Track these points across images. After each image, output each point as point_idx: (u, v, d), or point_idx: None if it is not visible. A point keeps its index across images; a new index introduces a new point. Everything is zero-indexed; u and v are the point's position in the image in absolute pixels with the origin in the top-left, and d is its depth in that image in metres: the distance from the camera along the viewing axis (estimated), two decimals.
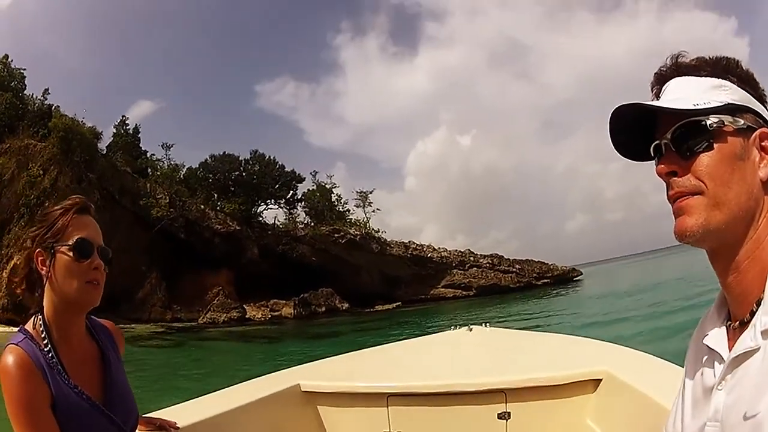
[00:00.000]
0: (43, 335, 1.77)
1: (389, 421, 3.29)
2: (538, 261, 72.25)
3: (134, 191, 50.60)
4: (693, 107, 1.11)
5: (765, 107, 1.17)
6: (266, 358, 24.14)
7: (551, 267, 71.87)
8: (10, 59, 50.97)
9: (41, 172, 44.23)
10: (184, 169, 63.65)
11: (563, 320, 28.30)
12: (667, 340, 14.26)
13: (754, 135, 1.11)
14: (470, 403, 3.18)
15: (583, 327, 21.76)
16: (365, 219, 70.95)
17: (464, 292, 65.26)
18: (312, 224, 64.80)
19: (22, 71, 51.50)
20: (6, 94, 47.96)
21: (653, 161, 1.21)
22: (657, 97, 1.24)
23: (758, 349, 1.04)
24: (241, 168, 65.51)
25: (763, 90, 1.19)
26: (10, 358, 1.69)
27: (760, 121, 1.14)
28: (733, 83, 1.16)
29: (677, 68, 1.22)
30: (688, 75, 1.20)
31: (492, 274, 67.22)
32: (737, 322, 1.14)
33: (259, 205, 65.15)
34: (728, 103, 1.12)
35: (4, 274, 34.33)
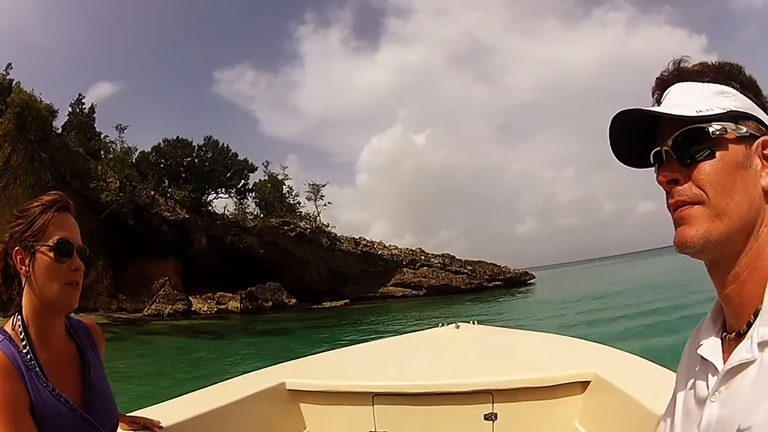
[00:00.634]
0: (21, 336, 1.77)
1: (374, 421, 3.38)
2: (491, 263, 73.53)
3: (85, 173, 50.63)
4: (696, 114, 1.12)
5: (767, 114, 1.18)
6: (214, 356, 24.20)
7: (504, 269, 73.33)
8: None
9: None
10: (137, 153, 63.87)
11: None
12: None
13: (756, 143, 1.13)
14: (457, 403, 3.26)
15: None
16: (316, 213, 72.17)
17: (414, 292, 66.75)
18: (262, 216, 65.74)
19: None
20: None
21: (652, 168, 1.24)
22: (658, 102, 1.26)
23: (754, 361, 1.05)
24: (194, 154, 65.75)
25: (765, 97, 1.20)
26: None
27: (763, 128, 1.15)
28: (736, 90, 1.17)
29: (679, 73, 1.24)
30: (691, 80, 1.21)
31: (443, 275, 68.37)
32: (733, 334, 1.17)
33: (210, 194, 65.11)
34: (731, 110, 1.13)
35: None
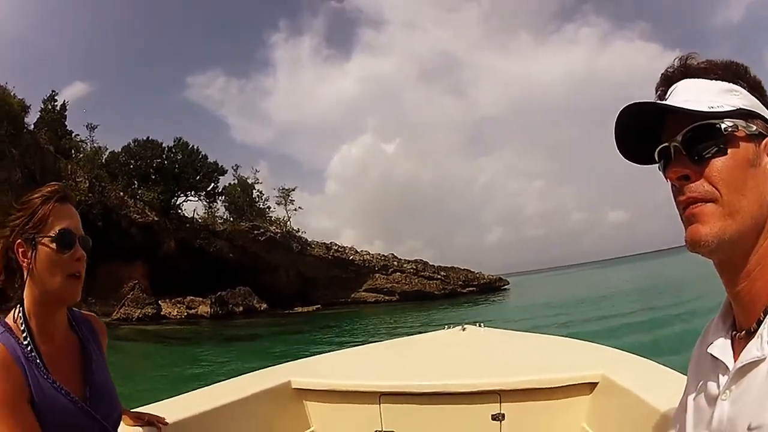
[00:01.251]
0: (22, 328, 1.81)
1: (381, 420, 3.45)
2: (464, 268, 75.25)
3: (55, 172, 50.01)
4: (708, 110, 1.12)
5: None
6: (184, 364, 23.50)
7: (477, 275, 75.04)
8: None
9: None
10: (107, 153, 65.00)
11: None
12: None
13: (765, 141, 1.14)
14: (464, 403, 3.32)
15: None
16: (286, 217, 74.04)
17: (387, 297, 67.98)
18: (231, 219, 66.83)
19: None
20: None
21: (657, 165, 1.26)
22: (662, 98, 1.26)
23: (765, 359, 1.07)
24: (164, 155, 66.74)
25: None
26: None
27: None
28: (744, 88, 1.19)
29: (686, 70, 1.24)
30: (698, 77, 1.22)
31: (416, 280, 69.63)
32: (743, 332, 1.18)
33: (179, 196, 66.83)
34: (740, 108, 1.14)
35: None
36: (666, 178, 1.21)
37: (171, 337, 36.91)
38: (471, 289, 71.85)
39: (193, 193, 68.45)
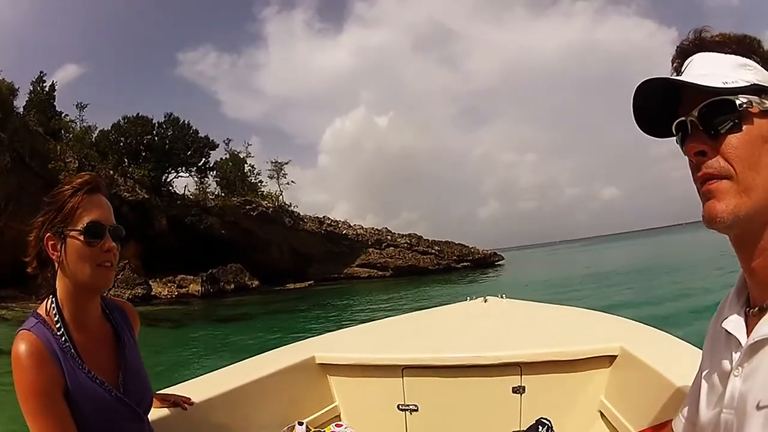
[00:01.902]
0: (56, 319, 1.87)
1: (404, 393, 3.54)
2: (458, 243, 75.38)
3: (44, 153, 50.96)
4: (723, 85, 1.14)
5: None
6: (176, 348, 22.33)
7: (472, 250, 75.36)
8: None
9: None
10: (96, 132, 65.31)
11: None
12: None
13: None
14: (485, 376, 3.39)
15: None
16: (278, 192, 74.51)
17: (380, 273, 68.86)
18: (223, 195, 67.06)
19: None
20: None
21: (674, 138, 1.27)
22: (678, 71, 1.29)
23: None
24: (154, 132, 67.14)
25: None
26: (22, 345, 1.77)
27: None
28: (758, 63, 1.20)
29: (700, 43, 1.26)
30: (712, 51, 1.23)
31: (410, 255, 70.08)
32: (757, 308, 1.21)
33: (170, 173, 67.36)
34: (754, 84, 1.15)
35: None
36: (684, 153, 1.24)
37: (160, 318, 35.85)
38: (465, 264, 72.06)
39: (184, 169, 69.30)
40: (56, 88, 64.00)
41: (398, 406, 3.58)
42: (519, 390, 3.35)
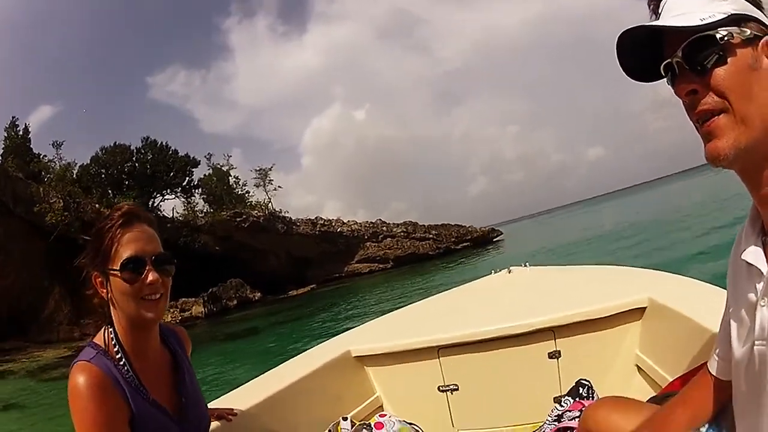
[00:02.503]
0: (116, 349, 1.90)
1: (442, 374, 3.62)
2: (455, 224, 75.76)
3: (27, 198, 50.71)
4: (700, 22, 1.16)
5: (764, 13, 1.22)
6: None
7: (470, 229, 75.61)
8: None
9: None
10: (77, 167, 65.20)
11: None
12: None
13: (761, 43, 1.17)
14: (520, 345, 3.44)
15: None
16: (266, 199, 74.56)
17: (381, 265, 68.99)
18: (212, 211, 67.22)
19: None
20: None
21: (664, 80, 1.28)
22: (655, 12, 1.30)
23: None
24: (134, 158, 67.34)
25: None
26: (82, 377, 1.78)
27: (764, 28, 1.19)
28: None
29: None
30: None
31: (408, 243, 70.22)
32: None
33: (155, 197, 68.07)
34: (732, 14, 1.17)
35: None
36: (675, 94, 1.26)
37: None
38: (465, 244, 72.14)
39: (169, 191, 70.06)
40: (30, 130, 64.03)
41: (438, 388, 3.65)
42: (555, 354, 3.40)
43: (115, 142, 68.53)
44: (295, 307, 46.09)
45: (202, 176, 73.04)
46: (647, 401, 2.06)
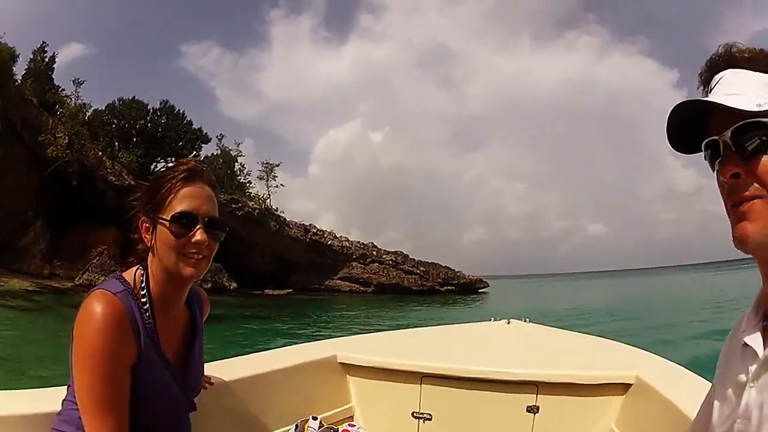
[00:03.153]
0: (143, 293, 1.92)
1: (420, 401, 3.64)
2: (445, 266, 76.30)
3: (36, 125, 51.30)
4: (757, 108, 1.13)
5: None
6: None
7: (458, 274, 76.37)
8: None
9: None
10: (90, 110, 64.70)
11: None
12: None
13: None
14: (501, 392, 3.46)
15: None
16: (266, 194, 74.49)
17: (362, 288, 69.35)
18: None
19: None
20: None
21: (702, 153, 1.27)
22: (705, 85, 1.29)
23: None
24: (148, 117, 67.08)
25: None
26: (103, 306, 1.77)
27: None
28: None
29: (730, 59, 1.25)
30: (741, 67, 1.22)
31: (394, 273, 70.73)
32: None
33: (159, 161, 66.71)
34: None
35: None
36: (714, 172, 1.25)
37: None
38: (449, 288, 72.76)
39: (173, 159, 64.77)
40: (56, 60, 64.13)
41: (413, 413, 3.68)
42: (533, 409, 3.43)
43: (134, 97, 68.41)
44: (271, 306, 46.82)
45: (209, 155, 72.67)
46: None
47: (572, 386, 3.36)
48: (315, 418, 3.28)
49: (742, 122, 1.14)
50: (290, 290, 64.80)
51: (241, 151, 77.09)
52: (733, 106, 1.14)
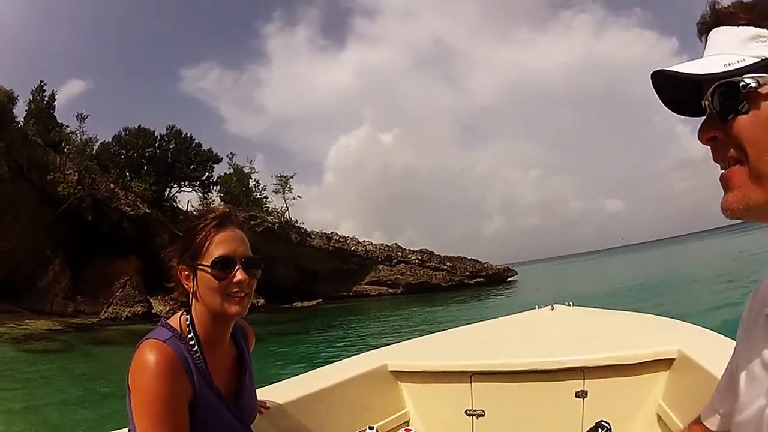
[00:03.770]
0: (190, 336, 2.02)
1: (472, 399, 3.70)
2: (471, 258, 75.96)
3: (43, 165, 51.32)
4: (723, 69, 1.08)
5: None
6: None
7: (485, 265, 75.80)
8: None
9: None
10: (98, 144, 65.35)
11: None
12: None
13: None
14: (550, 381, 3.53)
15: None
16: (284, 207, 74.00)
17: (391, 290, 69.53)
18: None
19: None
20: None
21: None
22: (705, 40, 1.21)
23: None
24: (156, 144, 67.30)
25: None
26: (155, 354, 1.86)
27: None
28: None
29: (716, 16, 1.17)
30: (724, 24, 1.15)
31: (422, 271, 70.66)
32: None
33: (173, 187, 67.63)
34: (765, 58, 1.07)
35: None
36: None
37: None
38: (478, 280, 72.33)
39: (186, 183, 68.73)
40: (56, 98, 64.48)
41: (466, 411, 3.71)
42: (582, 394, 3.46)
43: (140, 126, 68.43)
44: (300, 320, 47.00)
45: (222, 174, 72.97)
46: None
47: (617, 368, 3.42)
48: (372, 428, 3.29)
49: (716, 83, 1.11)
50: (319, 300, 65.00)
51: (254, 168, 76.89)
52: (692, 72, 1.11)
